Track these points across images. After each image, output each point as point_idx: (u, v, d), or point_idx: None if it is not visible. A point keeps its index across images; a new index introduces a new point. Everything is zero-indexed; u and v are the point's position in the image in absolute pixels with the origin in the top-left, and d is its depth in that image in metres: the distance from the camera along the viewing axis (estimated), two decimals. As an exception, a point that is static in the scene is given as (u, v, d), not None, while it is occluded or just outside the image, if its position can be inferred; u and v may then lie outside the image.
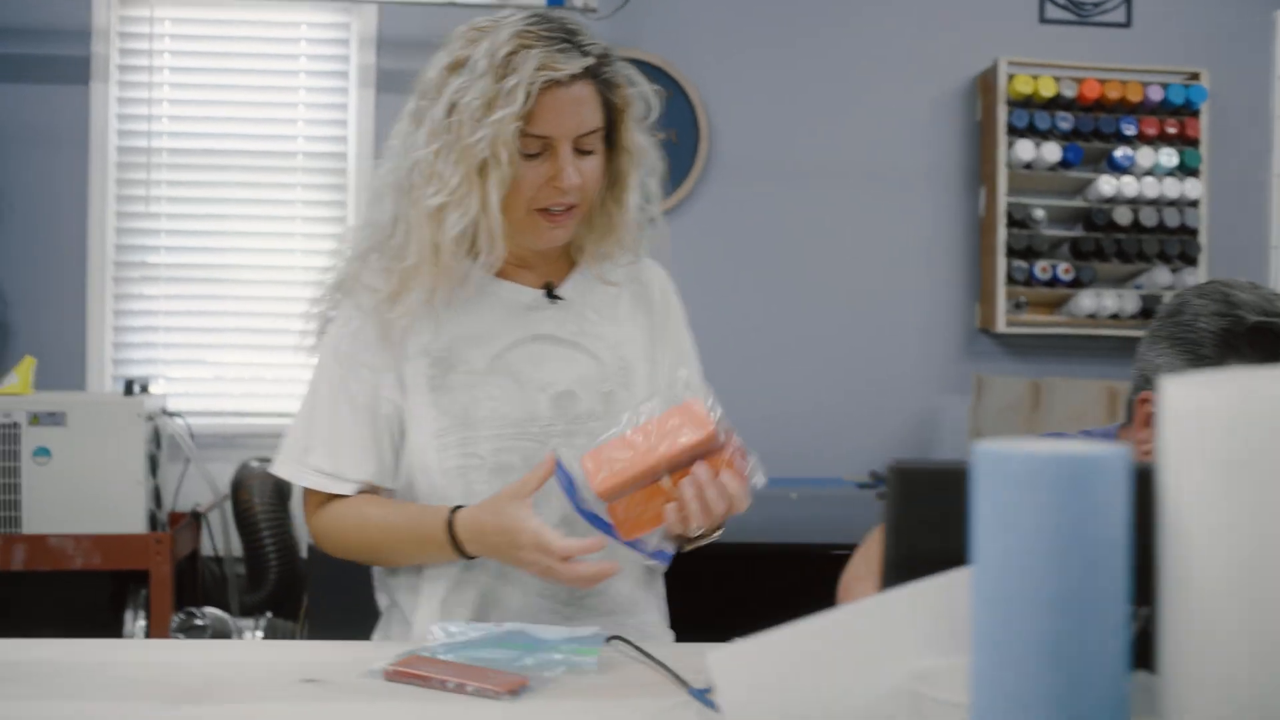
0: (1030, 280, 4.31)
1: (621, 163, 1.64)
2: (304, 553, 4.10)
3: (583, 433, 1.62)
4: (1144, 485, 0.80)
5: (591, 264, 1.70)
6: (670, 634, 1.74)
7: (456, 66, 1.55)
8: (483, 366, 1.62)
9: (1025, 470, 0.75)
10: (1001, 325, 4.30)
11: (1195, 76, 4.40)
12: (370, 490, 1.65)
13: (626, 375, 1.67)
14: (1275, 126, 4.61)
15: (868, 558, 1.51)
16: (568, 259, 1.73)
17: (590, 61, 1.54)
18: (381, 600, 1.76)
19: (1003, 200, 4.29)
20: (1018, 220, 4.31)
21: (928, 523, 0.99)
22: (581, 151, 1.57)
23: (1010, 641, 0.76)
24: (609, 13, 4.03)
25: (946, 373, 4.46)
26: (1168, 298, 4.27)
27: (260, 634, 3.70)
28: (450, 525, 1.52)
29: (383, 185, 1.63)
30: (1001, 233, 4.29)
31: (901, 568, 0.98)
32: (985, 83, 4.40)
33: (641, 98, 1.64)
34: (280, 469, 1.67)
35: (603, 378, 1.65)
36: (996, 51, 4.36)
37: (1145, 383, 1.54)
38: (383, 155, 1.66)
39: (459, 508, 1.54)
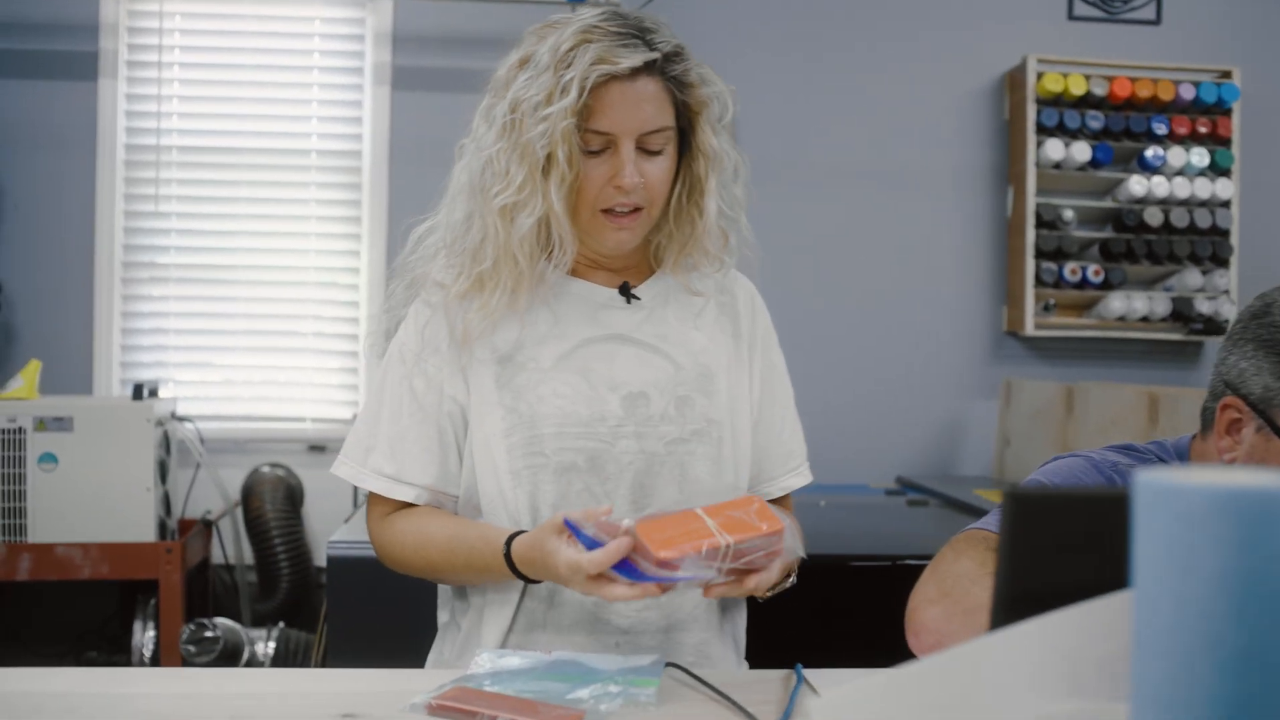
0: (1059, 282, 4.21)
1: (698, 167, 1.56)
2: (318, 560, 4.02)
3: (653, 435, 1.54)
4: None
5: (676, 273, 1.63)
6: (743, 663, 1.65)
7: (524, 63, 1.50)
8: (550, 363, 1.55)
9: (1207, 506, 0.65)
10: (1030, 328, 4.20)
11: (1227, 74, 4.30)
12: (432, 496, 1.58)
13: (707, 383, 1.59)
14: (1308, 125, 4.52)
15: (940, 579, 1.41)
16: (648, 266, 1.66)
17: (654, 56, 1.47)
18: (442, 616, 1.69)
19: (1031, 201, 4.19)
20: (1047, 221, 4.21)
21: (1047, 554, 0.90)
22: (648, 152, 1.50)
23: (1182, 703, 0.66)
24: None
25: (973, 376, 4.37)
26: (1199, 300, 4.18)
27: (273, 644, 3.61)
28: (509, 561, 1.45)
29: (457, 185, 1.58)
30: (1030, 234, 4.19)
31: (1017, 602, 0.89)
32: (1013, 81, 4.30)
33: (718, 99, 1.56)
34: (341, 469, 1.60)
35: (678, 382, 1.58)
36: (1025, 49, 4.27)
37: (1227, 388, 1.47)
38: (459, 154, 1.60)
39: (513, 538, 1.45)
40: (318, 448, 4.12)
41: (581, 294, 1.59)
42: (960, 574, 1.38)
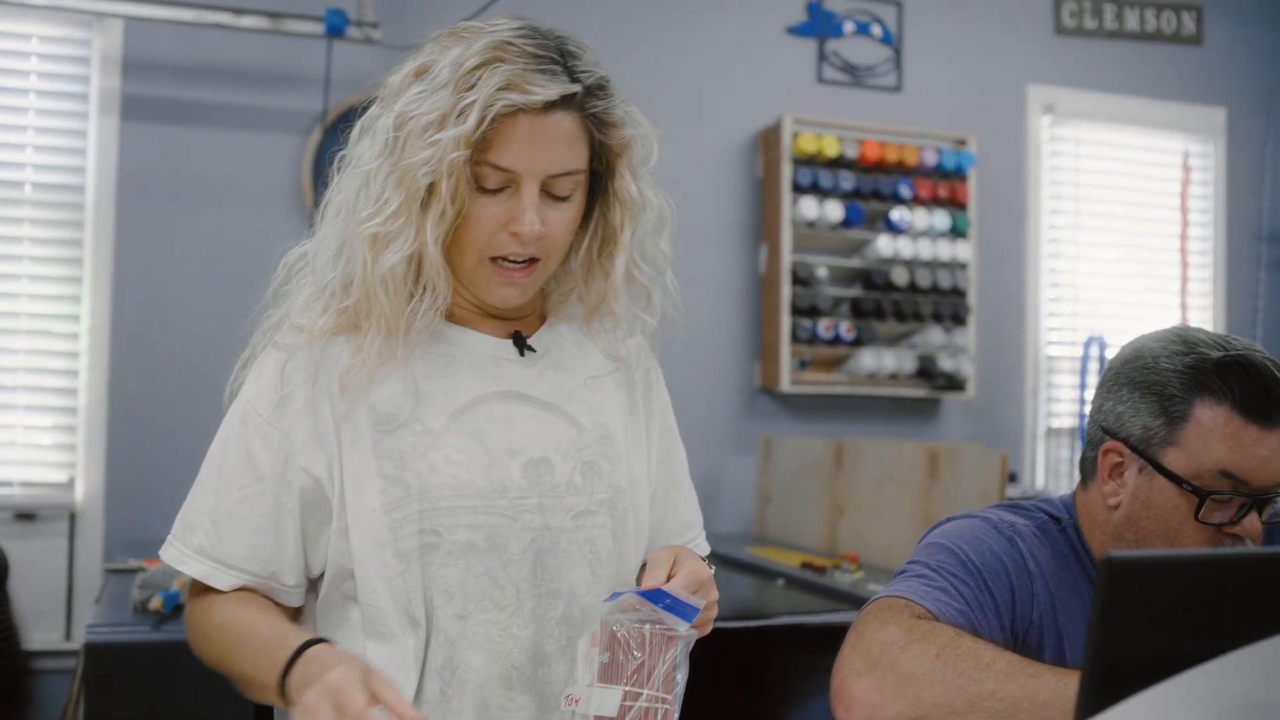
0: (814, 339, 4.27)
1: (614, 216, 1.39)
2: (31, 643, 3.58)
3: (558, 508, 1.35)
4: None
5: (593, 336, 1.46)
6: None
7: (420, 74, 1.30)
8: (439, 426, 1.33)
9: None
10: (786, 385, 4.23)
11: (963, 142, 4.50)
12: (260, 584, 1.33)
13: (609, 446, 1.42)
14: (1029, 192, 4.79)
15: (865, 649, 1.33)
16: (540, 315, 1.48)
17: (575, 89, 1.29)
18: None
19: (787, 257, 4.23)
20: (801, 278, 4.26)
21: (1143, 621, 0.84)
22: (554, 197, 1.32)
23: None
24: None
25: (727, 433, 4.35)
26: (942, 358, 4.33)
27: (-22, 744, 3.16)
28: (306, 644, 1.20)
29: (329, 208, 1.36)
30: (786, 291, 4.23)
31: (1112, 672, 0.83)
32: (767, 140, 4.35)
33: (642, 141, 1.39)
34: (165, 551, 1.34)
35: (582, 445, 1.39)
36: (777, 109, 4.34)
37: (1106, 435, 1.50)
38: (338, 166, 1.38)
39: (317, 641, 1.22)
40: (26, 515, 3.67)
41: (469, 344, 1.38)
42: (888, 642, 1.32)
